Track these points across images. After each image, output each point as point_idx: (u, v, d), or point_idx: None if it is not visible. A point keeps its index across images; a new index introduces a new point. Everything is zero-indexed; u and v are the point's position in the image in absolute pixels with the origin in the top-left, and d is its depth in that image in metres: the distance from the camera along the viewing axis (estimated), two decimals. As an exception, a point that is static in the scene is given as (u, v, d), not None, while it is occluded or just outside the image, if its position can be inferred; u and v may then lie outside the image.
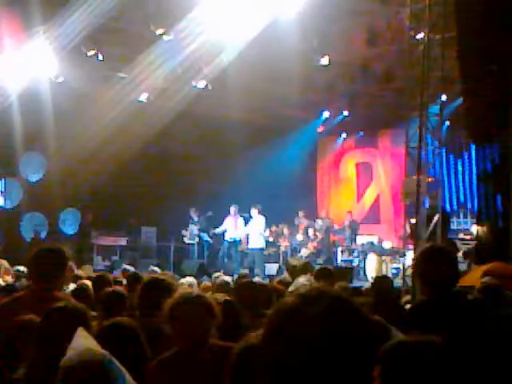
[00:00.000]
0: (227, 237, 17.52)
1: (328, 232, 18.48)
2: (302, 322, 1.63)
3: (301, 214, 19.44)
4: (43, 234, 17.65)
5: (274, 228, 18.82)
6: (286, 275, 9.42)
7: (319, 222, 19.35)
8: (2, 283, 7.12)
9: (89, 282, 7.13)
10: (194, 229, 17.92)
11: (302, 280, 4.61)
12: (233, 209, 17.52)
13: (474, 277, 8.09)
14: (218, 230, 17.74)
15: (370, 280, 13.65)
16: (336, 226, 19.05)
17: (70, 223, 18.52)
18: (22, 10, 13.34)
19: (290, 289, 4.38)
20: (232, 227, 17.43)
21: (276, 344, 1.67)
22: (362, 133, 20.93)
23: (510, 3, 9.73)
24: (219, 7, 12.58)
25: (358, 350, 1.65)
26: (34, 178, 18.17)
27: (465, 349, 3.19)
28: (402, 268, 12.63)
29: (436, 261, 4.36)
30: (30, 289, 5.10)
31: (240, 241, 17.72)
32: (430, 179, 11.37)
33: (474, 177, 16.53)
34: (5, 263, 8.92)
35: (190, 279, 9.02)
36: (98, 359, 2.39)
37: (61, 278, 5.00)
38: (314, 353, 1.60)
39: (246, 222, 17.53)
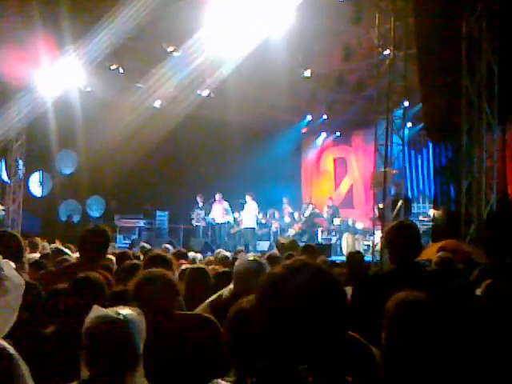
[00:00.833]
0: (215, 220, 17.67)
1: (311, 215, 18.51)
2: (288, 289, 1.64)
3: (285, 200, 19.46)
4: (76, 218, 17.65)
5: (267, 216, 18.86)
6: (274, 251, 9.45)
7: (304, 206, 19.39)
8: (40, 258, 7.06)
9: (112, 257, 7.12)
10: (199, 213, 17.93)
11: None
12: (218, 196, 17.60)
13: (431, 252, 8.09)
14: (208, 218, 17.83)
15: (345, 255, 13.67)
16: (317, 210, 19.08)
17: (95, 208, 18.54)
18: (56, 32, 13.30)
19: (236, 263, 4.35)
20: (219, 212, 17.53)
21: (267, 308, 1.67)
22: (338, 133, 20.90)
23: (459, 26, 9.71)
24: (220, 29, 12.53)
25: (335, 311, 1.65)
26: (67, 171, 18.16)
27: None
28: (371, 245, 12.67)
29: (403, 234, 4.38)
30: (78, 261, 5.10)
31: (226, 223, 17.81)
32: (394, 171, 11.37)
33: (432, 169, 16.55)
34: (45, 244, 8.91)
35: (195, 254, 9.03)
36: (119, 320, 2.39)
37: (103, 253, 5.05)
38: (298, 314, 1.60)
39: (242, 206, 17.62)
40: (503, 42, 9.97)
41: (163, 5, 12.47)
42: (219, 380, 2.22)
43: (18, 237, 4.30)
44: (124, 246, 15.86)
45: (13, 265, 2.76)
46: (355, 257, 7.95)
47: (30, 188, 17.95)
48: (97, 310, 2.44)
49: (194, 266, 5.65)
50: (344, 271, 6.44)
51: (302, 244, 10.64)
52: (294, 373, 1.56)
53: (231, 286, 4.20)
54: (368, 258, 11.63)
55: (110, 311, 2.43)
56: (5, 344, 2.46)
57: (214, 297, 4.31)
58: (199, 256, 9.14)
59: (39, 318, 3.57)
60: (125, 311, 2.44)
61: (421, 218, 15.74)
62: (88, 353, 2.38)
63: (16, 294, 2.56)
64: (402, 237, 4.38)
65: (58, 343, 3.16)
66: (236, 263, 4.34)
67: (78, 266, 4.66)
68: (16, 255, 3.79)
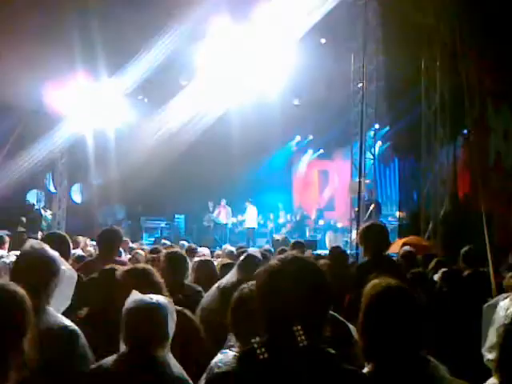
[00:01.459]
0: (221, 221, 17.57)
1: (301, 217, 18.51)
2: (282, 277, 1.68)
3: (280, 205, 19.44)
4: (111, 221, 17.63)
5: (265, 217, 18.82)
6: (268, 245, 9.47)
7: (295, 210, 19.41)
8: (81, 253, 7.07)
9: (141, 251, 7.15)
10: (210, 215, 17.91)
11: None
12: (222, 202, 17.51)
13: (397, 246, 8.15)
14: (217, 220, 17.69)
15: (328, 249, 13.66)
16: (306, 213, 19.08)
17: (119, 212, 18.51)
18: (93, 69, 13.43)
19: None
20: (223, 215, 17.47)
21: (266, 292, 1.72)
22: (322, 150, 20.89)
23: (419, 63, 9.78)
24: (226, 66, 12.61)
25: (319, 294, 1.70)
26: (97, 182, 18.17)
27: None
28: (349, 240, 12.69)
29: (375, 231, 4.42)
30: (97, 256, 5.17)
31: (226, 224, 17.65)
32: (367, 181, 11.43)
33: (397, 179, 16.58)
34: (86, 239, 8.93)
35: (205, 249, 9.01)
36: (152, 304, 2.42)
37: (117, 249, 5.15)
38: (290, 296, 1.65)
39: (244, 210, 17.55)
40: (453, 77, 10.05)
41: (180, 48, 12.59)
42: (227, 350, 2.25)
43: (66, 237, 4.35)
44: (149, 242, 15.88)
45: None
46: (336, 250, 7.98)
47: (72, 196, 17.98)
48: (135, 295, 2.47)
49: (202, 258, 5.65)
50: (327, 262, 6.47)
51: (292, 240, 10.66)
52: (291, 333, 1.60)
53: (232, 273, 4.19)
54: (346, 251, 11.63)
55: (145, 296, 2.44)
56: (68, 321, 2.51)
57: (219, 282, 4.31)
58: (207, 251, 9.13)
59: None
60: (157, 297, 2.46)
61: (389, 218, 15.71)
62: (126, 330, 2.39)
63: (69, 284, 2.63)
64: (374, 234, 4.43)
65: (89, 324, 3.16)
66: (242, 256, 4.36)
67: (98, 260, 4.82)
68: (64, 252, 3.84)
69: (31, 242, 2.65)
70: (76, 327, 2.50)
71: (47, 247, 2.64)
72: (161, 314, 2.39)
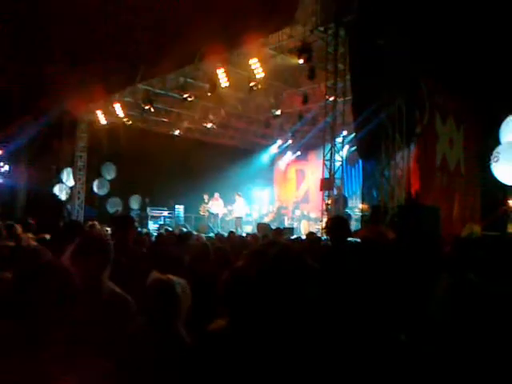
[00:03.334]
0: (214, 211, 17.46)
1: (280, 208, 18.56)
2: (265, 257, 1.73)
3: (264, 197, 19.42)
4: (121, 210, 17.54)
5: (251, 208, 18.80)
6: (256, 232, 9.49)
7: (276, 202, 19.44)
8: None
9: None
10: (205, 206, 17.84)
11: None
12: (216, 195, 17.40)
13: (360, 233, 8.20)
14: (209, 208, 17.56)
15: (303, 235, 13.70)
16: (284, 205, 19.13)
17: (134, 203, 18.41)
18: (107, 83, 13.34)
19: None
20: (215, 206, 17.40)
21: (253, 269, 1.76)
22: (299, 152, 20.95)
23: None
24: (219, 81, 12.57)
25: (293, 269, 1.75)
26: (109, 178, 18.03)
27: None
28: (320, 228, 12.74)
29: (338, 224, 4.43)
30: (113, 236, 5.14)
31: (218, 214, 17.52)
32: (336, 179, 11.47)
33: (361, 177, 16.64)
34: (99, 226, 8.91)
35: (201, 234, 9.04)
36: (167, 281, 2.37)
37: (130, 231, 4.98)
38: (271, 272, 1.69)
39: (234, 201, 17.53)
40: (410, 92, 10.13)
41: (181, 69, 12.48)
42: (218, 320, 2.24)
43: (81, 224, 4.37)
44: (154, 229, 15.83)
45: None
46: (312, 235, 8.08)
47: (94, 189, 17.83)
48: (154, 274, 2.43)
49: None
50: (304, 244, 6.52)
51: (273, 227, 10.73)
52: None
53: None
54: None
55: (162, 276, 2.40)
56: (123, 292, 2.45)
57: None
58: (203, 235, 9.15)
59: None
60: (172, 277, 2.40)
61: (355, 210, 15.84)
62: (147, 303, 2.36)
63: None
64: (336, 225, 4.46)
65: None
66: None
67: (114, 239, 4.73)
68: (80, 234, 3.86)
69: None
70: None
71: None
72: (175, 290, 2.33)
